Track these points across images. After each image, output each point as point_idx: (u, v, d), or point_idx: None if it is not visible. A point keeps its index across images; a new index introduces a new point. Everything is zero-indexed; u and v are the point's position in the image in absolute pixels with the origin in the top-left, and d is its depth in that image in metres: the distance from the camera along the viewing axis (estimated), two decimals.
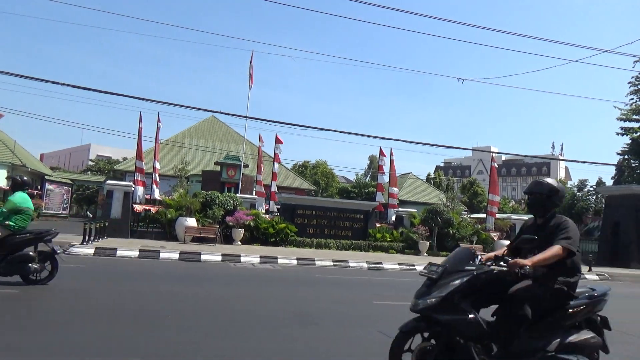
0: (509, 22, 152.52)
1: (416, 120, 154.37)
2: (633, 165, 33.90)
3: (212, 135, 41.34)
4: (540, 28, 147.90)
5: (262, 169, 24.52)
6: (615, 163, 34.32)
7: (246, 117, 23.30)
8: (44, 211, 34.37)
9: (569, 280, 3.73)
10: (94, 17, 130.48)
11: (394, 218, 23.27)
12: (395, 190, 24.59)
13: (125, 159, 49.44)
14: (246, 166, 26.76)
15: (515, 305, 3.60)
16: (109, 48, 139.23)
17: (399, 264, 15.64)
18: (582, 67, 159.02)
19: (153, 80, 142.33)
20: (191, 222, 18.00)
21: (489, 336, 3.61)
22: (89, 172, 58.04)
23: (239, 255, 14.23)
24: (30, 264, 7.40)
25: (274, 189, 24.23)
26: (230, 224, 18.58)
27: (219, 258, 13.75)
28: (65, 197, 39.11)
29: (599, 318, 3.90)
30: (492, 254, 3.88)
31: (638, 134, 32.15)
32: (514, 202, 68.60)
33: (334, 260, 14.96)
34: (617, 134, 32.86)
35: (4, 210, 7.41)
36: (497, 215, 24.16)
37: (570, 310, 3.71)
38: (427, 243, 20.58)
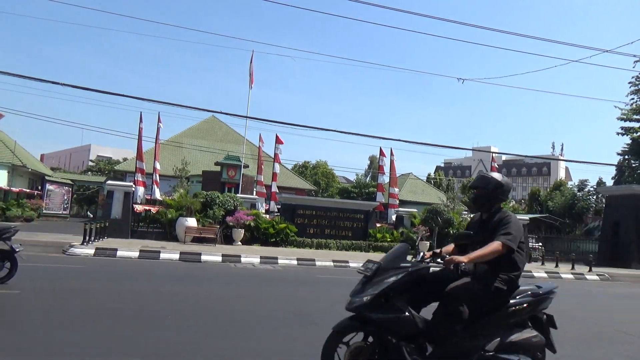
0: (509, 22, 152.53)
1: (416, 120, 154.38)
2: (633, 165, 33.90)
3: (213, 136, 41.35)
4: (540, 28, 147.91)
5: (262, 169, 24.53)
6: (616, 163, 34.33)
7: (246, 117, 23.32)
8: (44, 212, 34.40)
9: (510, 277, 3.60)
10: (94, 17, 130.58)
11: (394, 218, 23.28)
12: (395, 190, 24.60)
13: (125, 159, 49.48)
14: (246, 166, 26.77)
15: (451, 303, 3.48)
16: (109, 48, 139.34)
17: None
18: (582, 67, 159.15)
19: (153, 81, 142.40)
20: (191, 222, 18.02)
21: (424, 335, 3.48)
22: (89, 172, 58.09)
23: (239, 256, 14.23)
24: None
25: (274, 189, 24.24)
26: (231, 224, 18.59)
27: (219, 258, 13.75)
28: (65, 198, 39.12)
29: (545, 316, 3.80)
30: (435, 251, 3.80)
31: (638, 133, 32.14)
32: (514, 202, 68.53)
33: (334, 261, 14.96)
34: (618, 133, 32.87)
35: None
36: None
37: (512, 309, 3.58)
38: (428, 243, 20.59)
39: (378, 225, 22.06)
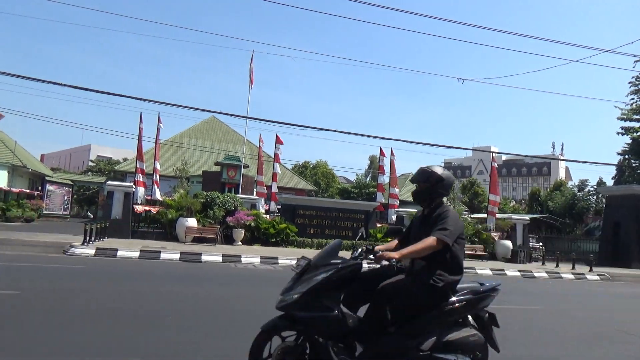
0: (509, 22, 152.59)
1: (416, 120, 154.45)
2: (634, 165, 33.88)
3: (213, 136, 41.36)
4: (540, 28, 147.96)
5: (262, 170, 24.52)
6: (616, 163, 34.31)
7: (246, 117, 23.32)
8: (44, 212, 34.40)
9: (447, 274, 3.44)
10: (93, 18, 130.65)
11: (394, 218, 23.27)
12: (395, 190, 24.58)
13: (125, 159, 49.48)
14: (246, 166, 26.77)
15: (381, 301, 3.34)
16: (109, 48, 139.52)
17: None
18: (582, 67, 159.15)
19: (153, 81, 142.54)
20: (192, 222, 18.01)
21: (355, 335, 3.32)
22: (89, 172, 58.13)
23: (240, 256, 14.23)
24: None
25: (274, 189, 24.22)
26: (231, 224, 18.58)
27: (220, 258, 13.74)
28: (65, 198, 39.13)
29: (487, 315, 3.63)
30: (369, 247, 3.63)
31: (638, 133, 32.13)
32: (514, 202, 68.58)
33: None
34: (618, 133, 32.86)
35: None
36: (498, 215, 24.14)
37: (449, 307, 3.43)
38: None
39: (378, 225, 22.04)
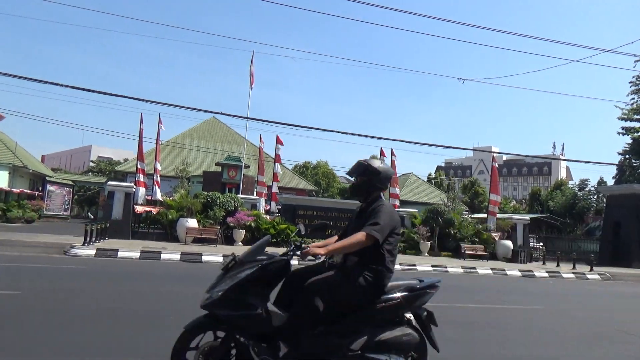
0: (509, 22, 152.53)
1: (417, 121, 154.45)
2: (634, 164, 33.89)
3: (213, 136, 41.40)
4: (540, 28, 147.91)
5: (263, 170, 24.52)
6: (617, 163, 34.32)
7: (247, 117, 23.33)
8: (45, 212, 34.43)
9: (378, 271, 3.29)
10: (95, 19, 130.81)
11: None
12: (396, 190, 24.58)
13: (126, 160, 49.53)
14: (247, 167, 26.78)
15: (307, 299, 3.19)
16: (111, 49, 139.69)
17: (400, 265, 15.62)
18: (582, 67, 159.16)
19: (154, 81, 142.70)
20: (192, 223, 18.01)
21: (280, 334, 3.18)
22: (90, 173, 58.21)
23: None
24: None
25: (274, 189, 24.23)
26: (231, 224, 18.58)
27: (220, 259, 13.73)
28: (66, 199, 39.16)
29: (425, 313, 3.47)
30: (297, 243, 3.51)
31: (639, 133, 32.12)
32: (515, 202, 68.58)
33: None
34: (618, 133, 32.88)
35: None
36: (498, 215, 24.13)
37: (382, 305, 3.28)
38: (429, 243, 20.57)
39: None
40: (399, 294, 3.35)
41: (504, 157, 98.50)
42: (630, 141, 33.03)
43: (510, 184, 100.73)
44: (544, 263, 20.58)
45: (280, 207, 22.78)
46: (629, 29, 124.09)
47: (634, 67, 31.52)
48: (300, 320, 3.19)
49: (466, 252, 20.34)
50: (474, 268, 16.19)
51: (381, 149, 25.54)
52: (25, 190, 32.71)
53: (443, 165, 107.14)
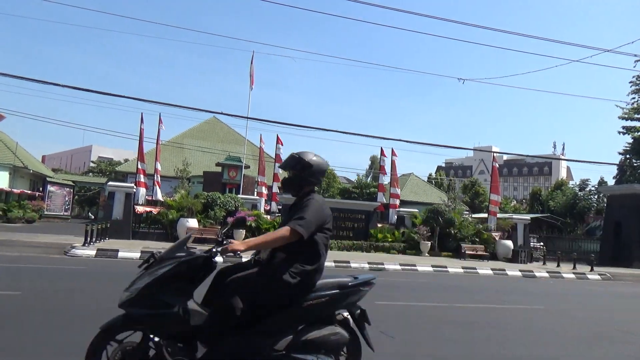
0: (510, 22, 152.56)
1: (417, 121, 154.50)
2: (635, 164, 33.85)
3: (214, 136, 41.42)
4: (540, 28, 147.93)
5: (264, 170, 24.54)
6: (617, 162, 34.29)
7: (247, 117, 23.35)
8: (45, 213, 34.45)
9: (304, 268, 3.14)
10: (95, 19, 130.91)
11: (395, 218, 23.25)
12: (396, 190, 24.57)
13: (126, 160, 49.55)
14: (247, 167, 26.80)
15: (226, 297, 3.06)
16: (111, 49, 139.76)
17: (401, 265, 15.62)
18: (583, 66, 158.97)
19: (154, 82, 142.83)
20: (193, 223, 18.02)
21: (201, 334, 3.06)
22: (90, 173, 58.23)
23: (241, 257, 14.20)
24: None
25: (275, 189, 24.25)
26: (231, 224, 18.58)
27: (221, 259, 13.73)
28: (67, 199, 39.19)
29: (358, 311, 3.34)
30: (218, 239, 3.40)
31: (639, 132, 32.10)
32: (515, 201, 68.53)
33: (335, 261, 14.93)
34: (619, 133, 32.84)
35: None
36: (499, 215, 24.13)
37: (309, 303, 3.15)
38: (429, 243, 20.57)
39: (379, 225, 22.04)
40: (328, 292, 3.21)
41: (505, 157, 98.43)
42: (630, 140, 32.98)
43: (511, 184, 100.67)
44: (544, 263, 20.57)
45: (280, 207, 22.79)
46: (629, 29, 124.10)
47: (634, 67, 31.52)
48: (218, 319, 3.05)
49: (466, 252, 20.34)
50: (474, 268, 16.19)
51: (381, 148, 25.56)
52: (25, 191, 32.74)
53: (443, 165, 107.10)
